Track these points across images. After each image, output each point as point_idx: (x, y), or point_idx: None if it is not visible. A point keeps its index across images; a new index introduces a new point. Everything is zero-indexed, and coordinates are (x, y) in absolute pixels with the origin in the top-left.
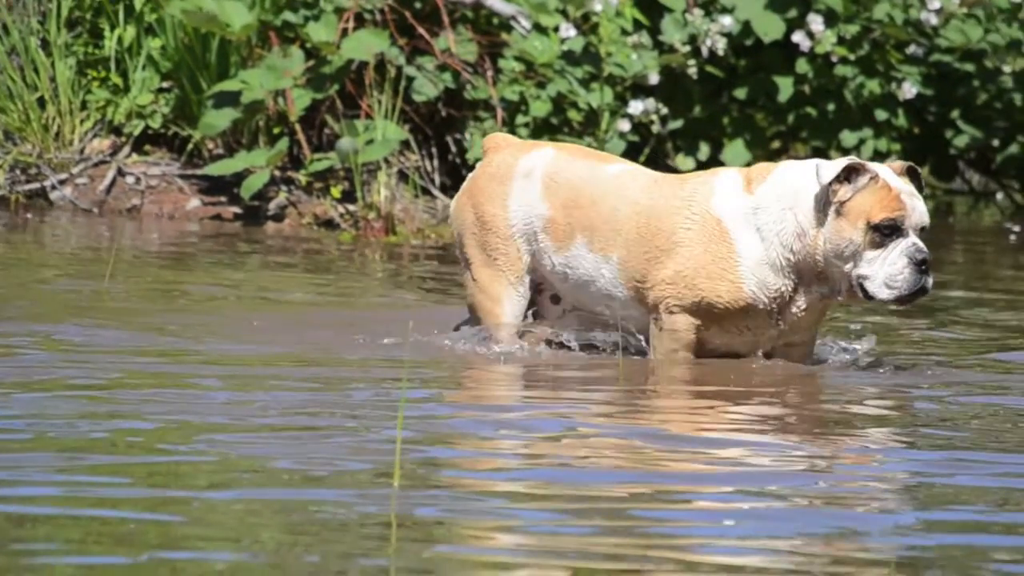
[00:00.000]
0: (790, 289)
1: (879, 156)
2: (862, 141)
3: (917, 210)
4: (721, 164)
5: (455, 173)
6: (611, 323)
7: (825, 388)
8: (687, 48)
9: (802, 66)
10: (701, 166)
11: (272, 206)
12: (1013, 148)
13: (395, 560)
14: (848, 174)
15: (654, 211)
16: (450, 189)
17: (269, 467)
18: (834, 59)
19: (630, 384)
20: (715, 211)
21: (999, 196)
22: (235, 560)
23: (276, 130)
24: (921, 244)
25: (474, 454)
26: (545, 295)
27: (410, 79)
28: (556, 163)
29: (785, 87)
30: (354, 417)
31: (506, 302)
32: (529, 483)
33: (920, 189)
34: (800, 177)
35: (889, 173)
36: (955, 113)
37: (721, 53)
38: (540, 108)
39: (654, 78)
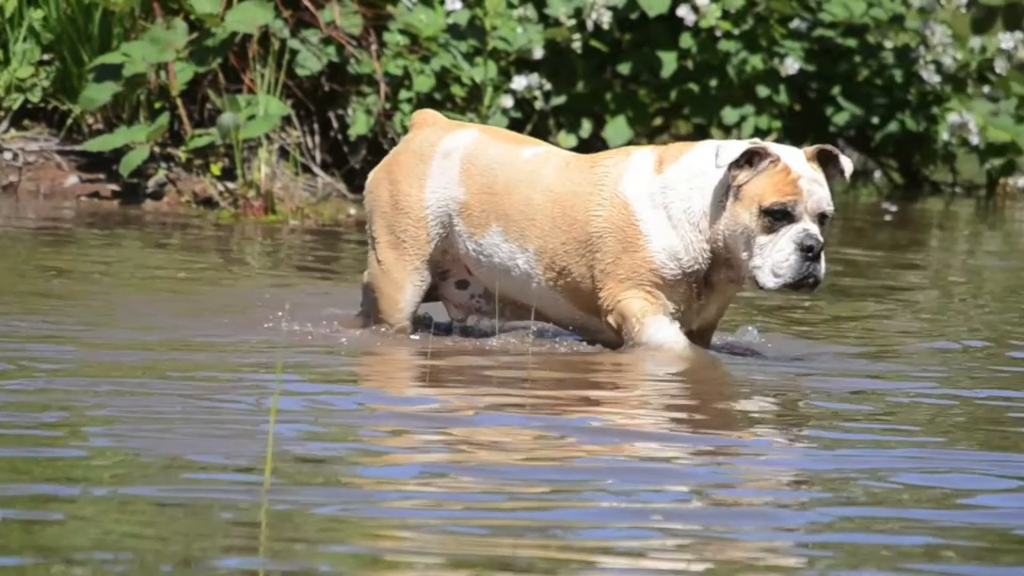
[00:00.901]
0: (704, 268)
1: (760, 133)
2: (743, 118)
3: (814, 196)
4: (603, 141)
5: (336, 150)
6: (520, 309)
7: (711, 380)
8: (572, 22)
9: (686, 40)
10: (583, 143)
11: (151, 184)
12: (892, 126)
13: (266, 555)
14: (750, 157)
15: (566, 198)
16: (331, 167)
17: (138, 460)
18: (718, 34)
19: (529, 375)
20: (623, 193)
21: (877, 174)
22: (101, 557)
23: (157, 105)
24: (814, 229)
25: (352, 446)
26: (451, 281)
27: (294, 52)
28: (476, 145)
29: (668, 62)
30: (226, 405)
31: (407, 288)
32: (409, 476)
33: (840, 173)
34: (707, 164)
35: (795, 157)
36: (836, 90)
37: (606, 27)
38: (424, 83)
39: (538, 52)
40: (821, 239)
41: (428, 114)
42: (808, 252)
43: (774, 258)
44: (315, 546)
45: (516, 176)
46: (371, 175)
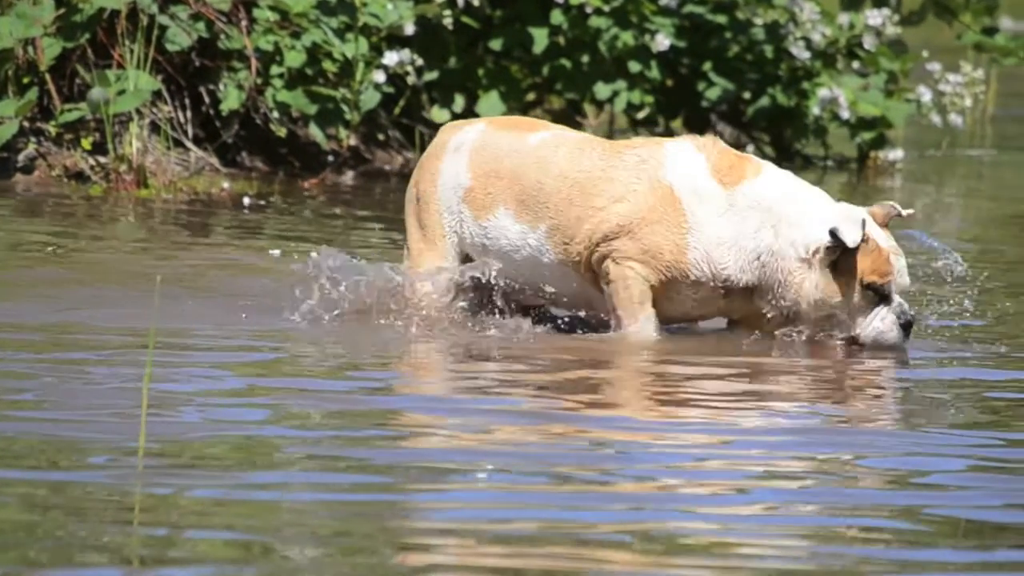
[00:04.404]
0: (737, 287)
1: (633, 108)
2: (616, 93)
3: (903, 273)
4: (476, 116)
5: (208, 125)
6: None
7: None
8: None
9: (557, 17)
10: (456, 118)
11: (21, 158)
12: (764, 100)
13: (138, 539)
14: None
15: (582, 181)
16: (203, 141)
17: (8, 446)
18: (588, 10)
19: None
20: (666, 181)
21: (750, 148)
22: None
23: (25, 80)
24: (907, 306)
25: (221, 428)
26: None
27: (163, 28)
28: (482, 136)
29: (540, 38)
30: (96, 385)
31: (440, 278)
32: (282, 456)
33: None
34: (783, 200)
35: (874, 227)
36: (707, 65)
37: (477, 3)
38: (295, 59)
39: (410, 28)
40: (912, 314)
41: (450, 125)
42: (908, 328)
43: (877, 327)
44: (185, 530)
45: (523, 160)
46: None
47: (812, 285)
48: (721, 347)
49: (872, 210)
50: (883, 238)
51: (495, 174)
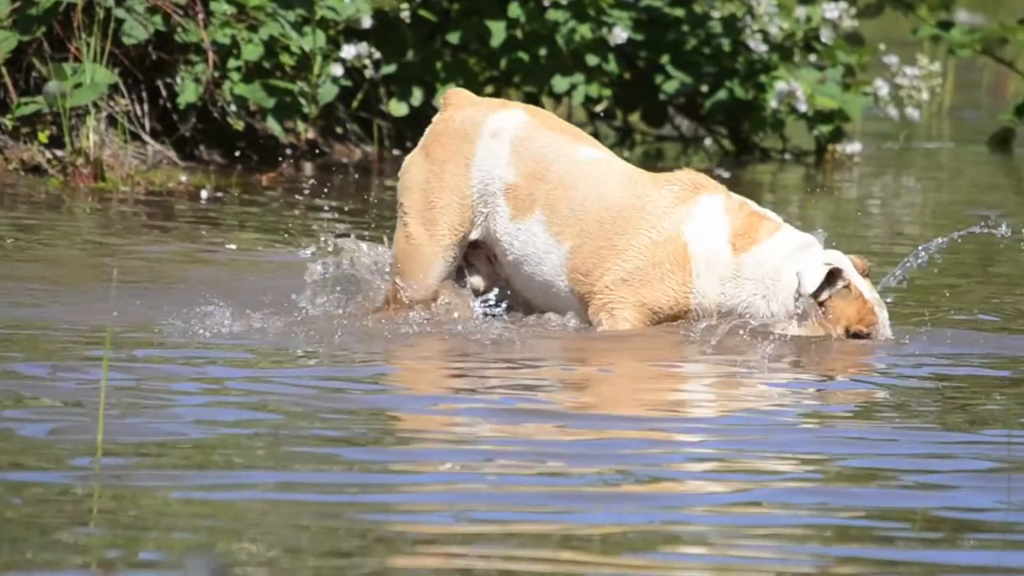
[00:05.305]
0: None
1: (590, 101)
2: (573, 86)
3: (884, 322)
4: (434, 109)
5: (166, 118)
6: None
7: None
8: None
9: (514, 10)
10: (414, 111)
11: None
12: (721, 94)
13: (97, 539)
14: (829, 279)
15: (622, 211)
16: (160, 134)
17: None
18: (546, 3)
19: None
20: (684, 236)
21: (708, 142)
22: None
23: None
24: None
25: (182, 427)
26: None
27: (119, 21)
28: (527, 129)
29: (497, 32)
30: (52, 383)
31: (437, 264)
32: (250, 457)
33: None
34: (783, 263)
35: (856, 277)
36: (665, 58)
37: None
38: (252, 52)
39: (367, 22)
40: None
41: (462, 94)
42: None
43: None
44: (146, 532)
45: (573, 171)
46: (408, 158)
47: (796, 328)
48: (707, 344)
49: (852, 259)
50: (866, 288)
51: (541, 177)
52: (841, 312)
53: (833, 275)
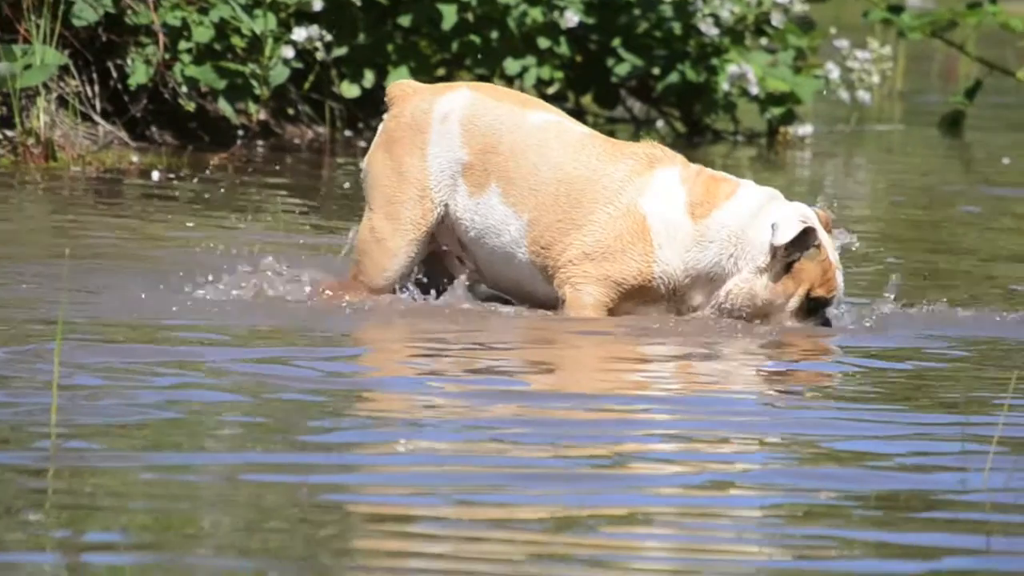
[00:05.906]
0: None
1: (542, 84)
2: (525, 69)
3: (841, 288)
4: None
5: (117, 99)
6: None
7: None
8: None
9: None
10: (366, 93)
11: None
12: (673, 76)
13: (53, 520)
14: (802, 238)
15: (576, 182)
16: (111, 115)
17: None
18: None
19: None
20: (642, 209)
21: (660, 124)
22: None
23: None
24: (835, 313)
25: (137, 408)
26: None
27: (69, 3)
28: (474, 105)
29: (449, 15)
30: (4, 364)
31: (400, 257)
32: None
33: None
34: (749, 221)
35: (825, 238)
36: (616, 41)
37: None
38: (203, 34)
39: (318, 4)
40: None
41: (404, 85)
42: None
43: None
44: (102, 512)
45: (523, 140)
46: (368, 154)
47: (762, 286)
48: (679, 327)
49: (817, 212)
50: (831, 249)
51: (492, 149)
52: (807, 273)
53: (807, 234)
